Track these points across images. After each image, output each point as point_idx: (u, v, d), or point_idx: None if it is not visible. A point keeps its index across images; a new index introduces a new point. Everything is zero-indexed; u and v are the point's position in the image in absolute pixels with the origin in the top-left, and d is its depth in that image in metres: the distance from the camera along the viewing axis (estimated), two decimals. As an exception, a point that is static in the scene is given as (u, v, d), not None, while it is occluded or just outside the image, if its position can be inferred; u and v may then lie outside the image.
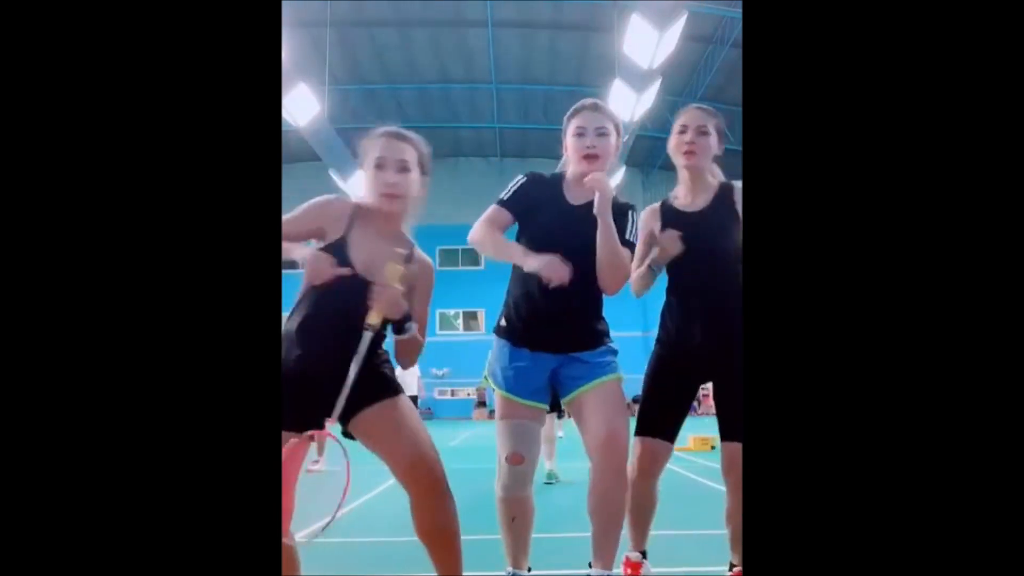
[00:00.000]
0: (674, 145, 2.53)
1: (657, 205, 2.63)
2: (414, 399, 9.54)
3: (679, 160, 2.53)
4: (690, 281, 2.49)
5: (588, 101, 2.37)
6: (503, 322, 2.38)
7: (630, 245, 2.30)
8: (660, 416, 2.52)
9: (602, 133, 2.30)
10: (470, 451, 10.21)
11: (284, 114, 13.44)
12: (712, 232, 2.43)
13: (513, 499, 2.27)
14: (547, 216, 2.29)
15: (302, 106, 14.04)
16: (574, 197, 2.33)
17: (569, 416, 2.53)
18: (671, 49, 11.93)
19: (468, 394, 27.94)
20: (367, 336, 1.92)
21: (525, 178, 2.37)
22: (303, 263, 1.97)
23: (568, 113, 2.37)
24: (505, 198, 2.33)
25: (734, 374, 2.33)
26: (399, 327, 1.99)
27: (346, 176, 18.66)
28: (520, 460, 2.24)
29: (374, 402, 1.96)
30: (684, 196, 2.57)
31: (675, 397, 2.54)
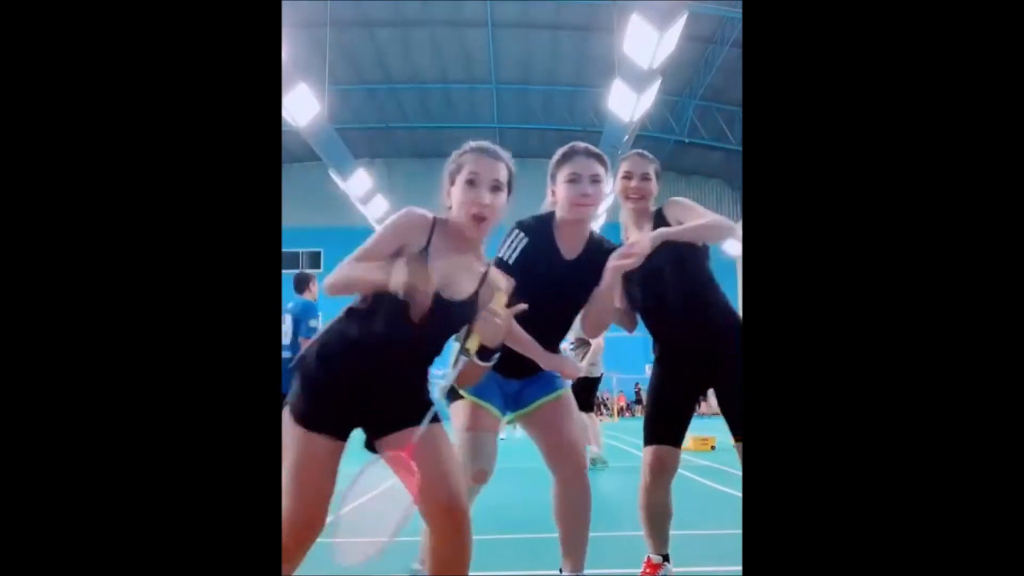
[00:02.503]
0: (620, 190, 2.58)
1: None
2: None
3: (626, 204, 2.59)
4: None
5: (580, 145, 2.32)
6: None
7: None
8: (665, 423, 2.59)
9: (596, 180, 2.27)
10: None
11: (284, 114, 13.42)
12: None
13: None
14: (542, 277, 2.25)
15: (302, 106, 14.01)
16: (567, 251, 2.32)
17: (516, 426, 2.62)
18: (671, 49, 11.90)
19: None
20: (463, 360, 1.88)
21: (526, 239, 2.30)
22: (398, 285, 1.77)
23: (558, 156, 2.32)
24: (510, 261, 2.27)
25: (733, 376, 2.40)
26: (488, 356, 1.92)
27: (346, 176, 18.64)
28: (485, 479, 2.27)
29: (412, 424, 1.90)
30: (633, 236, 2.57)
31: (678, 404, 2.61)
